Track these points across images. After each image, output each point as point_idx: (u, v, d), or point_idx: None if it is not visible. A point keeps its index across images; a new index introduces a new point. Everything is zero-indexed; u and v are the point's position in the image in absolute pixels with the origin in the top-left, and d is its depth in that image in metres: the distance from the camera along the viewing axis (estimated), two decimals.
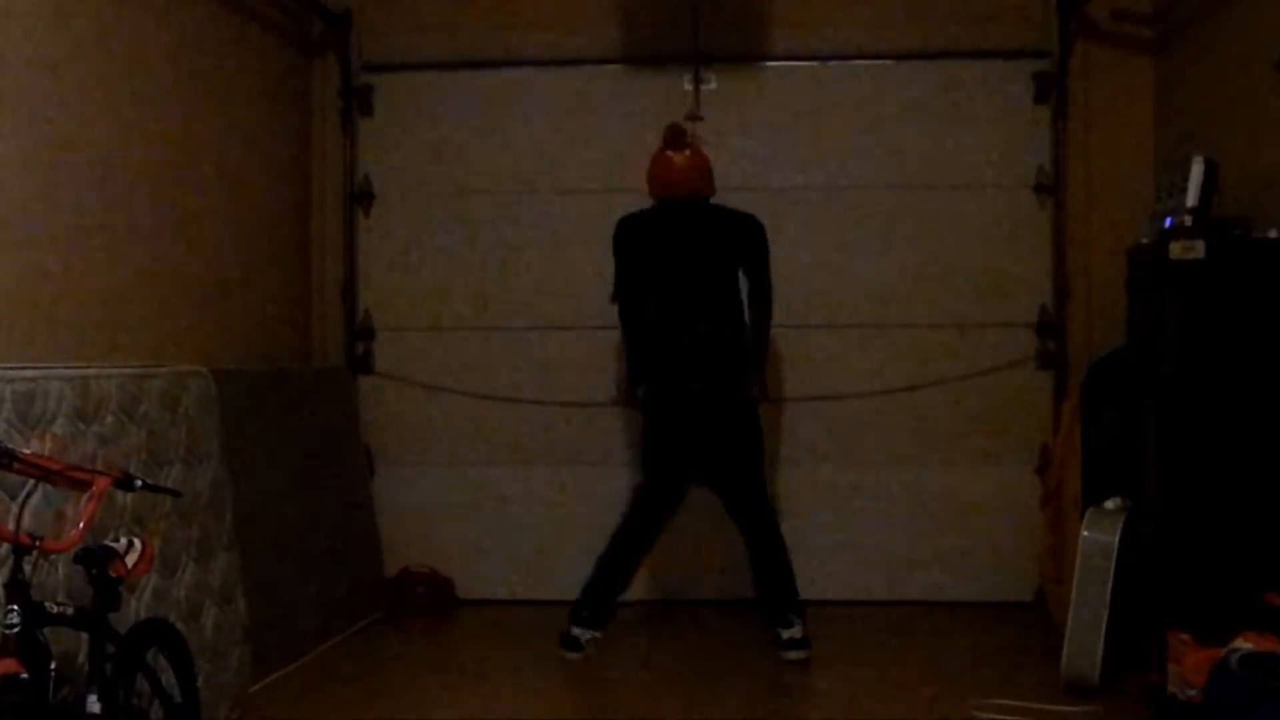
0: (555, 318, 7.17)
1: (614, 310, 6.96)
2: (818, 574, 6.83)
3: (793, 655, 5.89)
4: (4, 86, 4.46)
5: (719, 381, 5.92)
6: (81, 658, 3.67)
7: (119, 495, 4.17)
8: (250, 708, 5.15)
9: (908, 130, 7.01)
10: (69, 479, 3.48)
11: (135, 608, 4.41)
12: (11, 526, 3.34)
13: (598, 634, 6.03)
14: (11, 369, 4.08)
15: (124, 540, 3.71)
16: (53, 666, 3.38)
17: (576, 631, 6.00)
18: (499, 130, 7.20)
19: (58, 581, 3.91)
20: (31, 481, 3.51)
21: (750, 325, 6.02)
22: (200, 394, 5.15)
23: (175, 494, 4.19)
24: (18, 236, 4.55)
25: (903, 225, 7.02)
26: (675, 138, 6.05)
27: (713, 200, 6.07)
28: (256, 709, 5.16)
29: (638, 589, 6.47)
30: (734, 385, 5.94)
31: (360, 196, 7.27)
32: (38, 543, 3.33)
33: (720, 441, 5.97)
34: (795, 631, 5.92)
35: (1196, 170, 5.16)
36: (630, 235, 6.13)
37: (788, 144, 6.87)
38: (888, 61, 7.03)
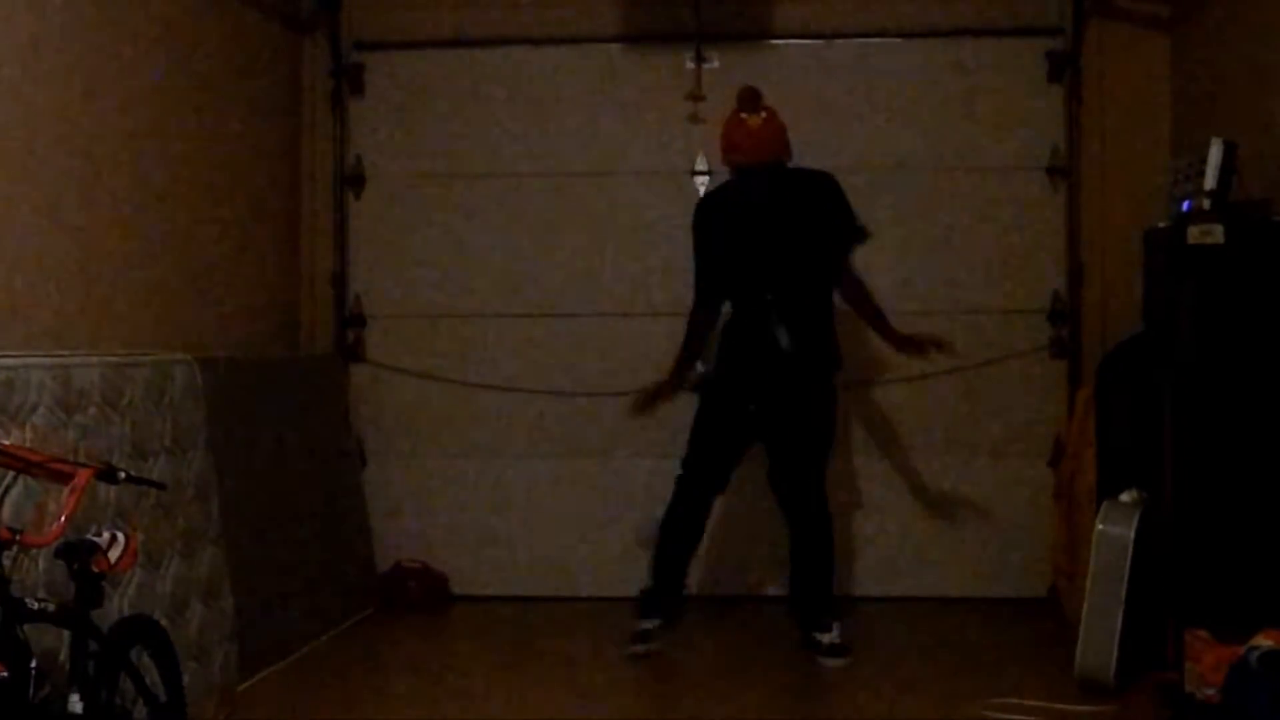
0: (552, 304, 7.07)
1: (611, 297, 6.96)
2: None
3: (834, 663, 5.72)
4: None
5: (791, 371, 5.77)
6: (63, 656, 3.62)
7: (102, 488, 4.09)
8: (238, 707, 5.08)
9: (916, 111, 6.92)
10: (50, 471, 3.44)
11: (118, 604, 4.34)
12: None
13: (660, 621, 5.91)
14: None
15: (107, 534, 3.63)
16: (33, 665, 3.32)
17: (644, 624, 5.91)
18: (494, 111, 7.08)
19: (38, 577, 3.85)
20: (11, 473, 3.48)
21: (848, 295, 5.93)
22: (185, 383, 5.09)
23: (160, 486, 4.16)
24: None
25: (911, 208, 6.91)
26: (749, 99, 5.85)
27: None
28: (244, 708, 5.09)
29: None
30: (809, 371, 5.80)
31: (351, 179, 7.16)
32: (18, 536, 3.28)
33: (784, 424, 5.83)
34: (834, 636, 5.78)
35: (1215, 152, 5.08)
36: (710, 217, 5.96)
37: (792, 125, 6.70)
38: (896, 40, 6.94)
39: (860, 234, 5.93)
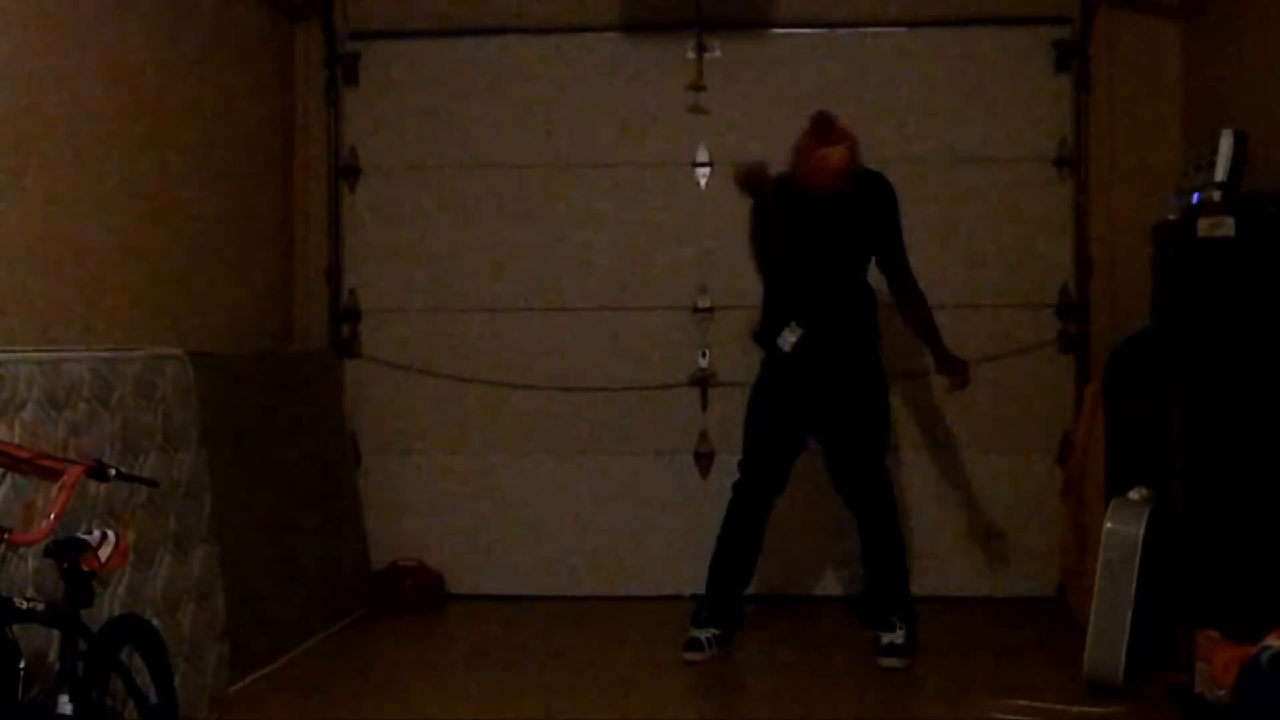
0: (552, 299, 7.00)
1: (610, 291, 6.95)
2: (826, 567, 6.74)
3: (888, 662, 5.62)
4: None
5: (835, 357, 5.70)
6: (52, 656, 3.63)
7: (92, 485, 4.05)
8: (229, 708, 5.04)
9: (921, 101, 6.84)
10: (39, 468, 3.40)
11: (109, 603, 4.32)
12: None
13: (718, 631, 5.79)
14: None
15: (97, 532, 3.57)
16: (22, 665, 3.29)
17: (695, 632, 5.78)
18: (492, 101, 7.00)
19: (27, 576, 3.83)
20: None
21: (906, 311, 5.85)
22: (177, 379, 5.05)
23: (151, 484, 4.18)
24: None
25: (916, 201, 6.75)
26: (825, 128, 5.64)
27: None
28: (236, 710, 5.05)
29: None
30: (853, 357, 5.72)
31: (346, 171, 7.08)
32: (6, 535, 3.25)
33: (834, 415, 5.74)
34: (896, 636, 5.67)
35: (1225, 143, 5.06)
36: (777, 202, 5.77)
37: (794, 116, 6.64)
38: (901, 29, 6.87)
39: (899, 252, 5.81)
